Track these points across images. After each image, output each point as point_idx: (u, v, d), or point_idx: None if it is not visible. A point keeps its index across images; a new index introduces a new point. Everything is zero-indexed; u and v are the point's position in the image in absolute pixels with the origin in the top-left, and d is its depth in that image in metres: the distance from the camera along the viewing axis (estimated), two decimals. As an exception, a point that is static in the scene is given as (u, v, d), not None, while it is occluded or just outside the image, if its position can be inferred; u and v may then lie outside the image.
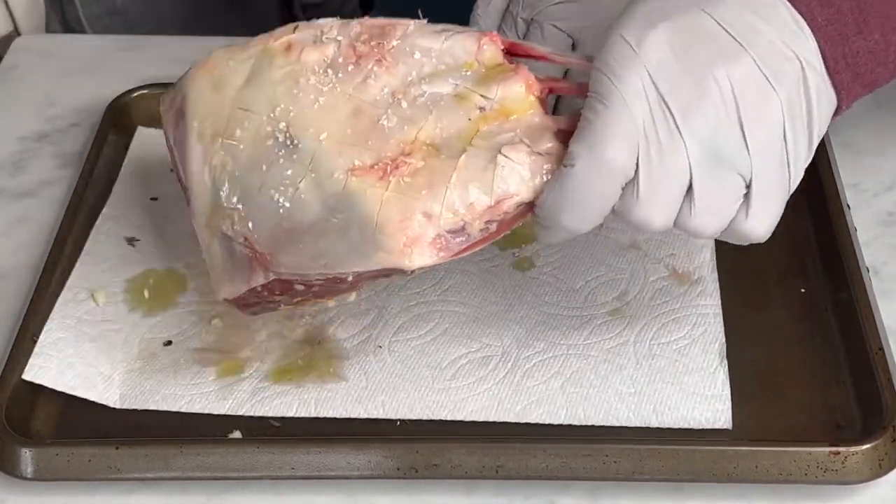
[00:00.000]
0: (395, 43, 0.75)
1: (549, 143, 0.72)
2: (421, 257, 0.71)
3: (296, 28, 0.76)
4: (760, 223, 0.72)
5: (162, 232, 0.92)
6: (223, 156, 0.75)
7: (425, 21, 0.77)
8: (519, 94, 0.74)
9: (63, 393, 0.81)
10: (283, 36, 0.76)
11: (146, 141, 0.99)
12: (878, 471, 0.75)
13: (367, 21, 0.76)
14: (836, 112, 0.73)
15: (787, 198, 0.73)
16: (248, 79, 0.75)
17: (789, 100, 0.70)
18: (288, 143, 0.73)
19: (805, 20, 0.71)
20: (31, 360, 0.81)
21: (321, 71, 0.75)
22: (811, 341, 0.84)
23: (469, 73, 0.75)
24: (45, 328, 0.83)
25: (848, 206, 0.92)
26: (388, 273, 0.72)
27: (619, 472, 0.76)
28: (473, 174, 0.71)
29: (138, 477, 0.77)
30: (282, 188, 0.72)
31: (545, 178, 0.71)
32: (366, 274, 0.72)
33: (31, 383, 0.81)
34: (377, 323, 0.85)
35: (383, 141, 0.72)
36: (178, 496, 0.78)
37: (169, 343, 0.84)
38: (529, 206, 0.72)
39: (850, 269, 0.85)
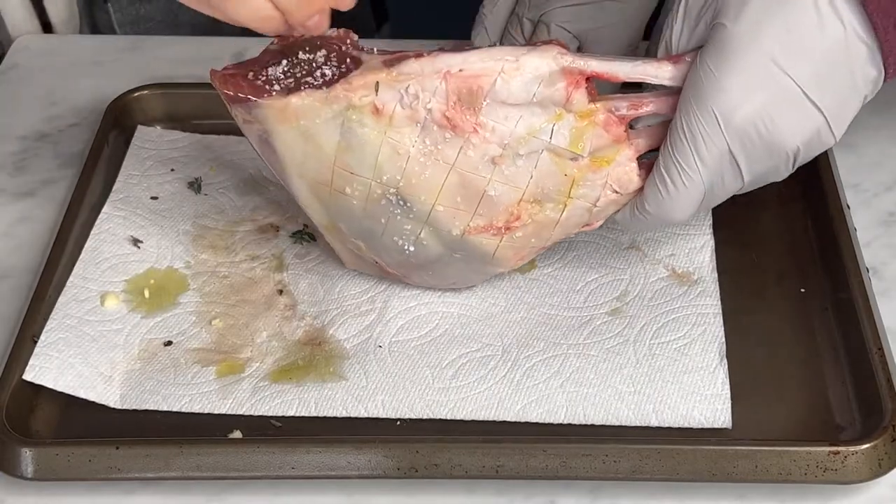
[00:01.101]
0: (485, 104, 0.77)
1: (635, 187, 0.79)
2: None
3: (377, 85, 0.77)
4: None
5: (162, 232, 0.92)
6: (335, 202, 0.81)
7: (496, 47, 0.78)
8: (605, 140, 0.79)
9: (63, 393, 0.81)
10: (361, 90, 0.77)
11: (146, 140, 0.99)
12: (878, 470, 0.75)
13: (452, 79, 0.77)
14: (887, 72, 0.77)
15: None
16: (343, 140, 0.78)
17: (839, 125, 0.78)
18: (401, 203, 0.79)
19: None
20: (31, 361, 0.81)
21: (421, 140, 0.77)
22: (811, 341, 0.84)
23: (559, 126, 0.77)
24: (46, 328, 0.83)
25: (848, 206, 0.92)
26: None
27: (619, 471, 0.76)
28: (573, 224, 0.81)
29: (138, 477, 0.77)
30: (404, 236, 0.81)
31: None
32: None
33: (31, 383, 0.81)
34: (377, 324, 0.85)
35: (492, 207, 0.79)
36: (178, 496, 0.78)
37: (169, 343, 0.85)
38: None
39: (849, 269, 0.85)
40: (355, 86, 0.77)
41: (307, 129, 0.78)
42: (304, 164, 0.79)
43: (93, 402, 0.81)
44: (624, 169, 0.79)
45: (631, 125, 0.80)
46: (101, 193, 0.94)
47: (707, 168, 0.76)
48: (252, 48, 1.11)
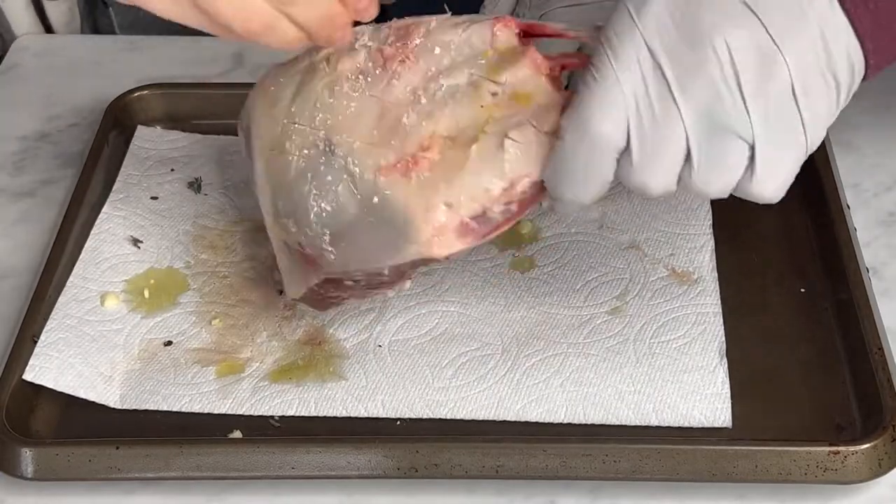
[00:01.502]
0: (417, 41, 0.78)
1: (555, 122, 0.73)
2: (448, 246, 0.74)
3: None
4: (766, 186, 0.71)
5: (163, 232, 0.92)
6: (279, 168, 0.78)
7: (448, 15, 0.79)
8: (528, 76, 0.76)
9: (63, 393, 0.81)
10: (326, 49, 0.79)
11: (146, 140, 0.99)
12: (878, 470, 0.75)
13: (395, 23, 0.79)
14: (869, 70, 0.71)
15: (802, 158, 0.71)
16: (295, 93, 0.79)
17: (801, 60, 0.68)
18: (327, 150, 0.76)
19: None
20: (31, 361, 0.81)
21: (353, 77, 0.78)
22: (811, 341, 0.84)
23: (484, 61, 0.77)
24: (46, 328, 0.83)
25: (848, 206, 0.92)
26: (424, 262, 0.75)
27: (619, 471, 0.76)
28: (486, 161, 0.74)
29: (138, 477, 0.77)
30: (324, 194, 0.76)
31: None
32: (402, 266, 0.76)
33: (31, 383, 0.81)
34: (377, 323, 0.85)
35: (405, 138, 0.75)
36: (178, 496, 0.78)
37: (169, 343, 0.85)
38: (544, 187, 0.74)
39: (850, 269, 0.85)
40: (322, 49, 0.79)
41: (273, 94, 0.80)
42: (263, 133, 0.80)
43: (93, 402, 0.81)
44: (543, 100, 0.75)
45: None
46: (101, 193, 0.94)
47: (623, 67, 0.69)
48: (252, 48, 1.11)
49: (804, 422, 0.79)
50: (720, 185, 0.70)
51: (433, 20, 0.79)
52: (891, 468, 0.76)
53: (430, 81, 0.77)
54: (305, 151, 0.77)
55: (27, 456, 0.77)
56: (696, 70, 0.68)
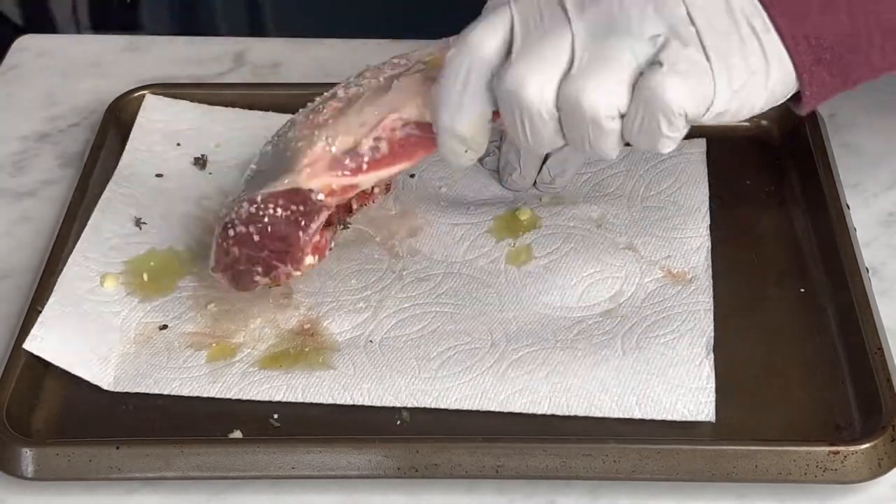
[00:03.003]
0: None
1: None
2: (316, 176, 0.80)
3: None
4: (668, 84, 0.68)
5: (165, 212, 0.92)
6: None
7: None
8: (433, 55, 0.79)
9: (64, 392, 0.82)
10: None
11: (154, 110, 0.99)
12: (878, 470, 0.75)
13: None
14: (803, 97, 0.71)
15: (706, 80, 0.69)
16: None
17: None
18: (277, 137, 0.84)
19: None
20: (32, 331, 0.82)
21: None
22: (811, 341, 0.84)
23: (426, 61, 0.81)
24: (49, 302, 0.83)
25: (848, 206, 0.92)
26: (297, 201, 0.81)
27: (619, 471, 0.76)
28: (370, 101, 0.80)
29: (139, 477, 0.77)
30: (258, 158, 0.84)
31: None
32: (279, 197, 0.81)
33: (31, 383, 0.81)
34: (371, 321, 0.85)
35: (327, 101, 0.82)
36: (178, 496, 0.78)
37: (164, 327, 0.85)
38: (423, 129, 0.78)
39: (850, 269, 0.85)
40: None
41: None
42: None
43: (93, 403, 0.81)
44: (437, 60, 0.78)
45: None
46: (100, 194, 0.94)
47: None
48: (252, 48, 1.11)
49: (804, 422, 0.79)
50: (603, 86, 0.68)
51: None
52: (890, 468, 0.76)
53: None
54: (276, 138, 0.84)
55: (27, 456, 0.77)
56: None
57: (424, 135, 0.79)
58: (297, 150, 0.80)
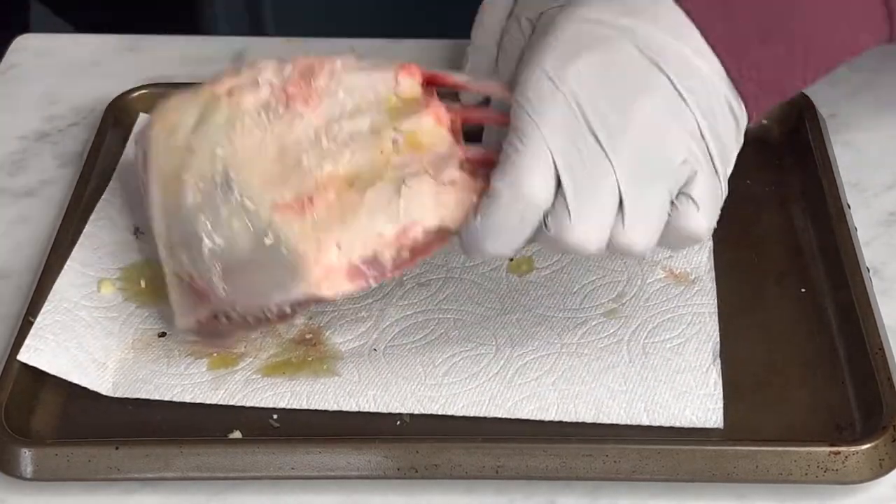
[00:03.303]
0: (321, 82, 0.79)
1: (452, 173, 0.76)
2: (337, 287, 0.76)
3: (239, 71, 0.81)
4: (700, 222, 0.74)
5: None
6: (175, 197, 0.79)
7: (354, 57, 0.81)
8: (429, 126, 0.78)
9: (63, 393, 0.81)
10: (227, 80, 0.80)
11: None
12: (879, 471, 0.75)
13: (300, 61, 0.80)
14: (749, 119, 0.75)
15: (721, 199, 0.76)
16: (196, 123, 0.80)
17: (704, 113, 0.73)
18: (224, 184, 0.77)
19: (703, 35, 0.73)
20: (26, 342, 0.81)
21: (256, 113, 0.79)
22: (811, 341, 0.84)
23: (386, 108, 0.79)
24: (42, 310, 0.83)
25: (848, 206, 0.91)
26: (312, 302, 0.77)
27: (619, 472, 0.76)
28: (380, 205, 0.75)
29: (138, 477, 0.77)
30: (219, 228, 0.77)
31: (449, 206, 0.75)
32: (291, 303, 0.77)
33: (30, 383, 0.81)
34: (373, 331, 0.85)
35: (303, 178, 0.76)
36: (178, 496, 0.78)
37: (163, 335, 0.85)
38: (443, 233, 0.76)
39: (850, 269, 0.85)
40: (223, 78, 0.81)
41: (172, 122, 0.80)
42: (161, 161, 0.80)
43: (92, 403, 0.81)
44: (442, 151, 0.77)
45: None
46: (100, 194, 0.94)
47: (549, 129, 0.72)
48: (252, 48, 1.11)
49: (804, 422, 0.79)
50: (650, 231, 0.74)
51: (338, 61, 0.80)
52: (891, 468, 0.76)
53: (333, 124, 0.78)
54: (202, 184, 0.78)
55: (27, 456, 0.77)
56: (624, 127, 0.72)
57: (445, 236, 0.77)
58: (299, 254, 0.76)
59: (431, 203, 0.75)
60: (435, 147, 0.77)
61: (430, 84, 0.80)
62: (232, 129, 0.78)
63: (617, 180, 0.72)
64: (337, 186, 0.76)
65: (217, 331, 0.80)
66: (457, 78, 0.81)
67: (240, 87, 0.80)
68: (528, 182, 0.72)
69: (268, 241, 0.76)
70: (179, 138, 0.80)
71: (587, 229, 0.73)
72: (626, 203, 0.73)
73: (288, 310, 0.77)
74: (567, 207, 0.72)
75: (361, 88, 0.79)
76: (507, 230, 0.74)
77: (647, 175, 0.73)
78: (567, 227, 0.73)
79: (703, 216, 0.74)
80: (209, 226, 0.77)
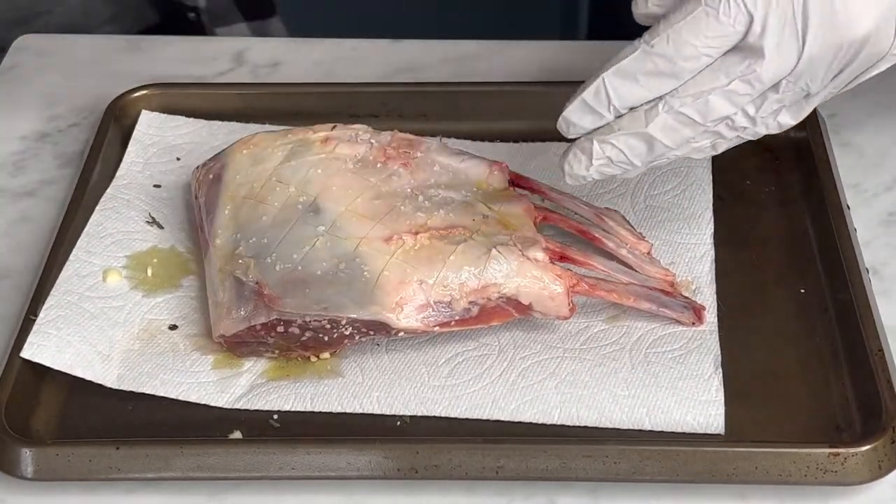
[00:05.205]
0: (419, 155, 0.88)
1: (538, 253, 0.82)
2: (407, 318, 0.80)
3: (334, 127, 0.89)
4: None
5: (166, 217, 0.92)
6: (251, 214, 0.85)
7: (446, 142, 0.90)
8: (518, 212, 0.85)
9: (64, 393, 0.82)
10: (322, 130, 0.89)
11: (150, 125, 0.99)
12: (878, 472, 0.75)
13: (398, 134, 0.89)
14: None
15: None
16: (286, 158, 0.88)
17: None
18: (311, 209, 0.84)
19: None
20: (29, 339, 0.81)
21: (352, 164, 0.87)
22: (811, 342, 0.84)
23: (479, 190, 0.87)
24: (45, 306, 0.83)
25: (848, 206, 0.92)
26: (376, 328, 0.81)
27: (618, 472, 0.76)
28: (468, 259, 0.81)
29: (139, 477, 0.77)
30: (300, 244, 0.83)
31: (529, 280, 0.81)
32: (358, 322, 0.80)
33: (31, 383, 0.81)
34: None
35: (397, 219, 0.83)
36: (178, 496, 0.78)
37: (174, 327, 0.85)
38: (513, 303, 0.81)
39: (850, 270, 0.85)
40: (316, 128, 0.89)
41: (258, 153, 0.88)
42: (240, 183, 0.87)
43: (93, 403, 0.81)
44: (528, 233, 0.83)
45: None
46: (100, 194, 0.94)
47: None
48: (252, 48, 1.11)
49: (804, 423, 0.79)
50: None
51: (433, 142, 0.89)
52: (890, 470, 0.76)
53: (429, 188, 0.86)
54: (288, 206, 0.85)
55: (27, 456, 0.77)
56: None
57: (511, 308, 0.81)
58: (381, 278, 0.80)
59: (515, 272, 0.81)
60: (521, 229, 0.84)
61: (516, 185, 0.88)
62: (325, 170, 0.86)
63: None
64: (430, 233, 0.83)
65: (256, 342, 0.82)
66: (539, 184, 0.89)
67: (336, 137, 0.88)
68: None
69: (353, 262, 0.81)
70: (266, 167, 0.87)
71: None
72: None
73: (349, 331, 0.80)
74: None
75: (455, 170, 0.88)
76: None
77: None
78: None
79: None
80: (291, 242, 0.83)
